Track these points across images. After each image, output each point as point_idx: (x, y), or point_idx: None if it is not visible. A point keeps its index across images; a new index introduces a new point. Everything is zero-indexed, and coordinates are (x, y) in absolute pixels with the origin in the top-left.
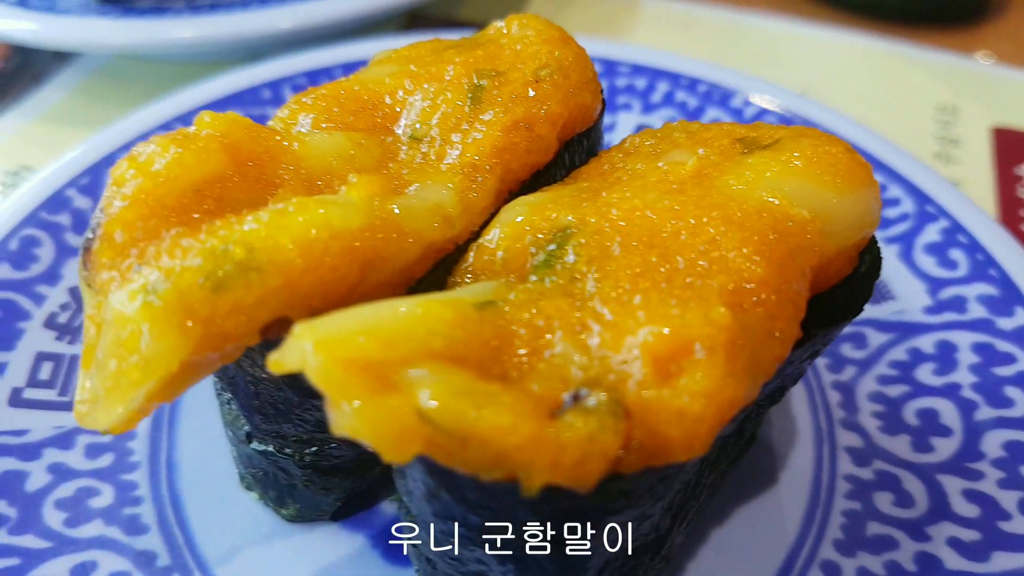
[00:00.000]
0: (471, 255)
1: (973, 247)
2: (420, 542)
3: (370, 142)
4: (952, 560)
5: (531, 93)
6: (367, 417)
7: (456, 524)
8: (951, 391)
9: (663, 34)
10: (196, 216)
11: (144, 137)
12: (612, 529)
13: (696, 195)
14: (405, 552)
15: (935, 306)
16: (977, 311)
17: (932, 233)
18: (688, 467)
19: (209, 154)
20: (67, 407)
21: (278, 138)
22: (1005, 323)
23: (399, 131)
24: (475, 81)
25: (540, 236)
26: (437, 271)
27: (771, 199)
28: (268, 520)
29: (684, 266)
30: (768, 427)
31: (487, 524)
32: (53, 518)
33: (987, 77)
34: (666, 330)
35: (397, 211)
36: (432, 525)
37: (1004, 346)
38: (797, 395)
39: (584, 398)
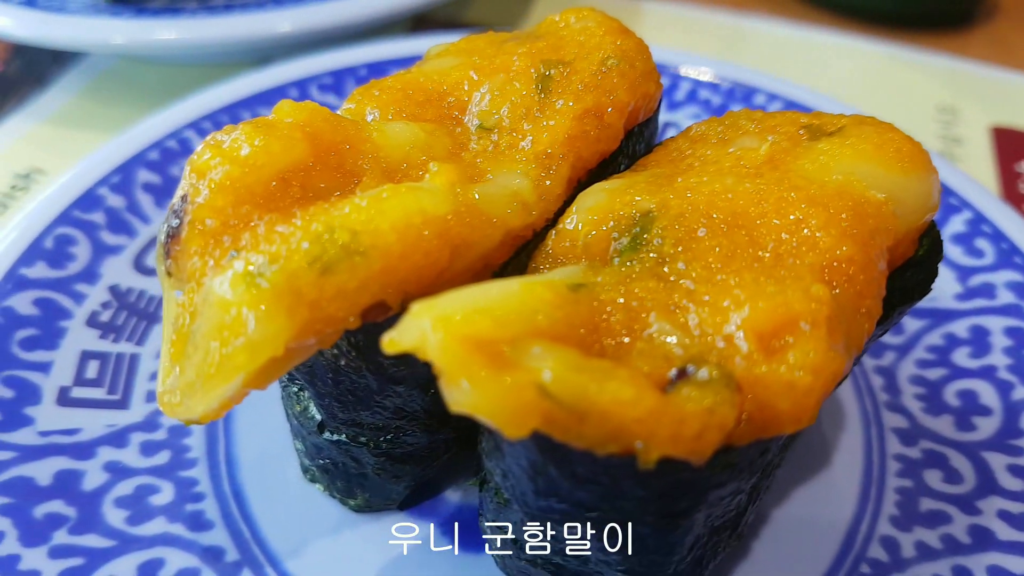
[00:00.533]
0: (551, 241)
1: (997, 236)
2: (510, 523)
3: (441, 132)
4: (1003, 531)
5: (600, 81)
6: (488, 393)
7: (558, 501)
8: (987, 373)
9: (664, 37)
10: (283, 204)
11: (173, 137)
12: (709, 503)
13: (774, 178)
14: (484, 535)
15: (965, 293)
16: (1006, 297)
17: (957, 224)
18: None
19: (293, 142)
20: (116, 405)
21: (356, 128)
22: None
23: (468, 121)
24: (542, 71)
25: (621, 221)
26: (516, 259)
27: (847, 182)
28: (335, 511)
29: (772, 246)
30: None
31: (594, 500)
32: (114, 516)
33: (983, 78)
34: (767, 307)
35: (477, 197)
36: (531, 503)
37: None
38: None
39: (692, 374)
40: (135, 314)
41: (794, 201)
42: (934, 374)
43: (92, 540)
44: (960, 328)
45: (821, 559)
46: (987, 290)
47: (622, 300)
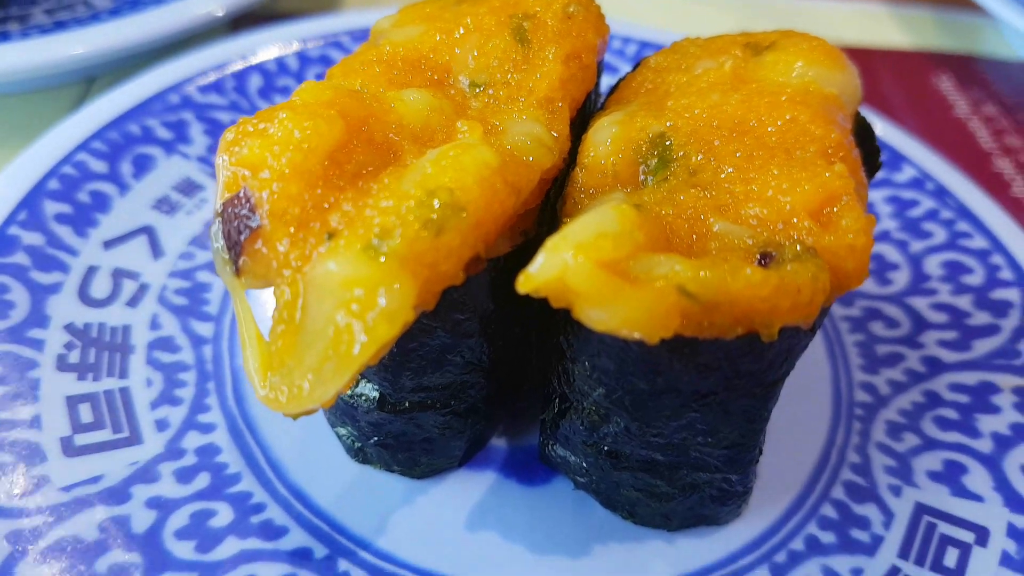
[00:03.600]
0: (580, 175)
1: None
2: (608, 436)
3: (441, 95)
4: (947, 356)
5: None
6: (634, 304)
7: (674, 397)
8: (884, 236)
9: (684, 4)
10: (345, 182)
11: (67, 162)
12: (790, 370)
13: (753, 90)
14: (558, 462)
15: None
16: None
17: None
18: None
19: (334, 121)
20: (129, 442)
21: (377, 101)
22: (900, 176)
23: (459, 83)
24: (514, 25)
25: (641, 145)
26: (546, 204)
27: (806, 83)
28: (399, 483)
29: (778, 143)
30: None
31: (711, 386)
32: (182, 550)
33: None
34: (810, 189)
35: (509, 147)
36: (641, 407)
37: (907, 194)
38: None
39: (776, 256)
40: (104, 348)
41: (780, 104)
42: None
43: None
44: None
45: (822, 416)
46: None
47: (676, 211)
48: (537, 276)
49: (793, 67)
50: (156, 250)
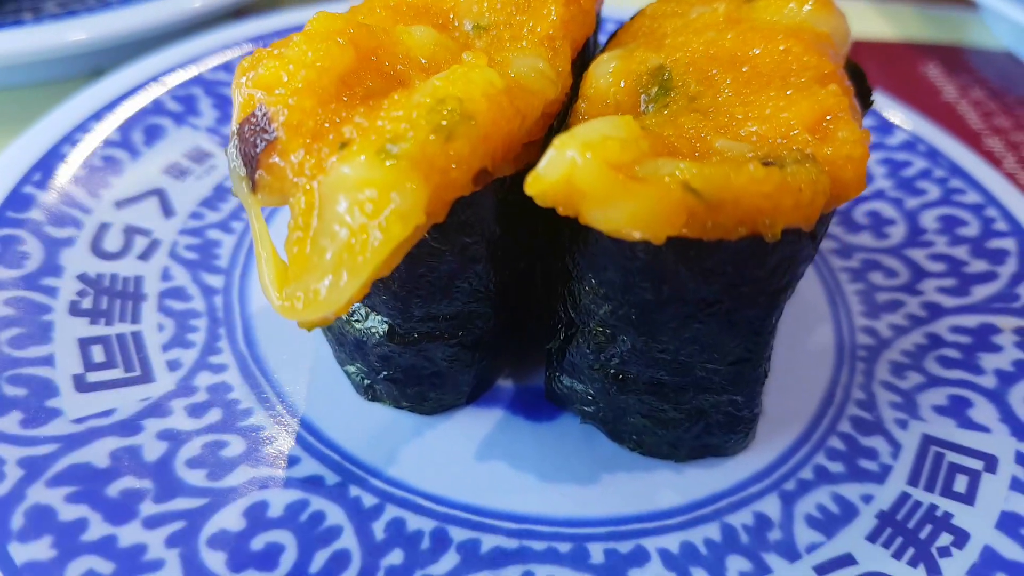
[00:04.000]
0: (582, 107)
1: None
2: (615, 358)
3: (447, 34)
4: (947, 301)
5: None
6: (640, 200)
7: (681, 305)
8: (879, 195)
9: None
10: (358, 100)
11: (81, 130)
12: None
13: (746, 27)
14: (565, 393)
15: None
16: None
17: None
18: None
19: (344, 49)
20: (141, 380)
21: (385, 34)
22: (891, 140)
23: (464, 27)
24: None
25: (641, 76)
26: (549, 139)
27: (799, 22)
28: (408, 419)
29: (774, 72)
30: None
31: (716, 293)
32: (194, 477)
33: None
34: (806, 105)
35: (513, 75)
36: (647, 319)
37: (900, 155)
38: None
39: (776, 164)
40: (116, 296)
41: (774, 39)
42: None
43: (182, 503)
44: None
45: (825, 357)
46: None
47: (676, 132)
48: (545, 175)
49: (785, 8)
50: (167, 210)
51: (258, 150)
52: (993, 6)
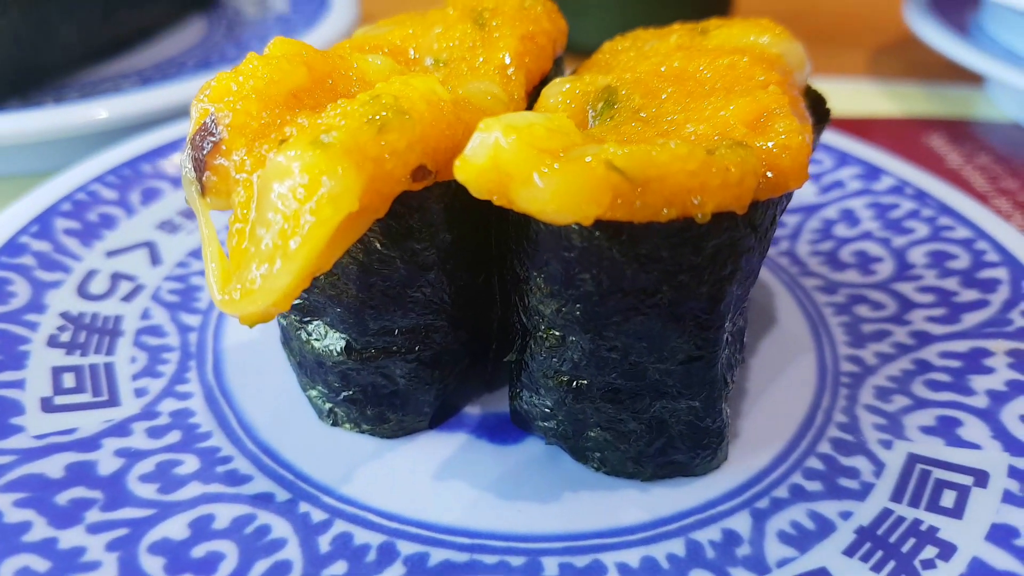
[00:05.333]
0: None
1: (828, 148)
2: (568, 363)
3: (404, 65)
4: (936, 329)
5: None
6: (562, 178)
7: (622, 296)
8: (867, 236)
9: None
10: (301, 111)
11: (84, 191)
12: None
13: (695, 50)
14: (525, 407)
15: (821, 190)
16: (855, 185)
17: None
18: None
19: (296, 66)
20: (107, 404)
21: (340, 59)
22: (879, 186)
23: (424, 63)
24: (474, 16)
25: (589, 95)
26: None
27: (750, 44)
28: (369, 442)
29: (720, 85)
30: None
31: (655, 283)
32: (144, 490)
33: None
34: (744, 103)
35: (462, 93)
36: (593, 313)
37: (887, 199)
38: None
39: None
40: (95, 332)
41: (720, 55)
42: (826, 246)
43: (129, 513)
44: (830, 212)
45: (806, 384)
46: (838, 184)
47: (616, 139)
48: (471, 157)
49: (736, 36)
50: (155, 259)
51: (205, 152)
52: (1000, 77)
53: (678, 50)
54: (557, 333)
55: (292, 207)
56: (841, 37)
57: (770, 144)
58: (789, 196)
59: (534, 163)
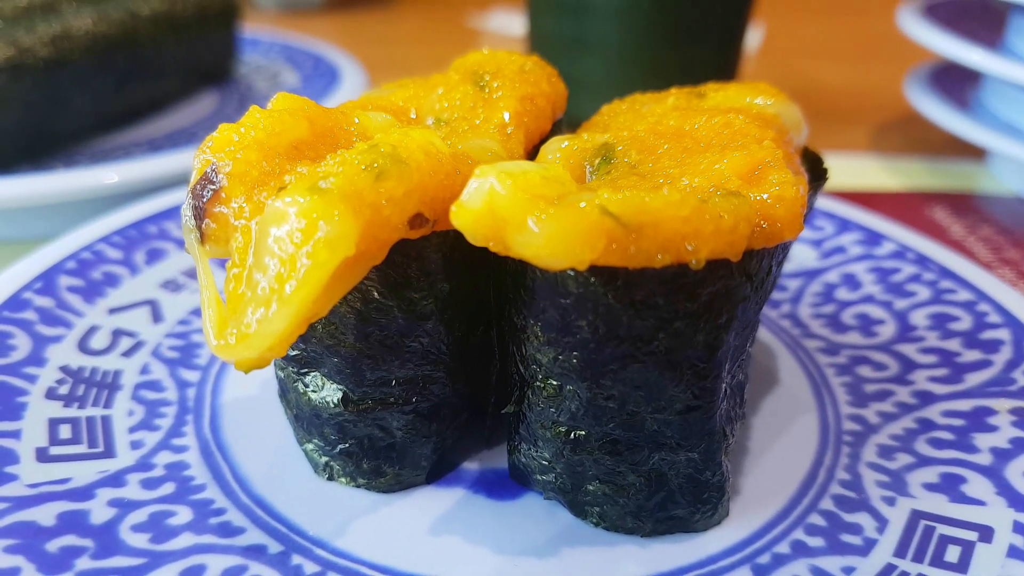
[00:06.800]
0: None
1: (829, 215)
2: (566, 414)
3: (405, 122)
4: (939, 389)
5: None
6: (556, 222)
7: (617, 344)
8: (868, 299)
9: None
10: (302, 162)
11: (89, 250)
12: (739, 322)
13: (691, 110)
14: (523, 460)
15: (823, 255)
16: (856, 250)
17: None
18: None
19: (298, 119)
20: (102, 456)
21: (342, 115)
22: (880, 251)
23: (425, 121)
24: (476, 79)
25: (587, 152)
26: None
27: (746, 105)
28: (365, 496)
29: (713, 139)
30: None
31: (651, 330)
32: (135, 540)
33: None
34: (739, 157)
35: (461, 148)
36: (590, 361)
37: (889, 263)
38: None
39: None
40: (93, 385)
41: (716, 114)
42: (827, 310)
43: (119, 561)
44: (831, 276)
45: (808, 442)
46: (840, 249)
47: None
48: (467, 203)
49: (733, 98)
50: (157, 317)
51: (205, 200)
52: (1002, 150)
53: (675, 110)
54: (555, 382)
55: (289, 251)
56: (845, 114)
57: (765, 196)
58: (786, 248)
59: (529, 208)
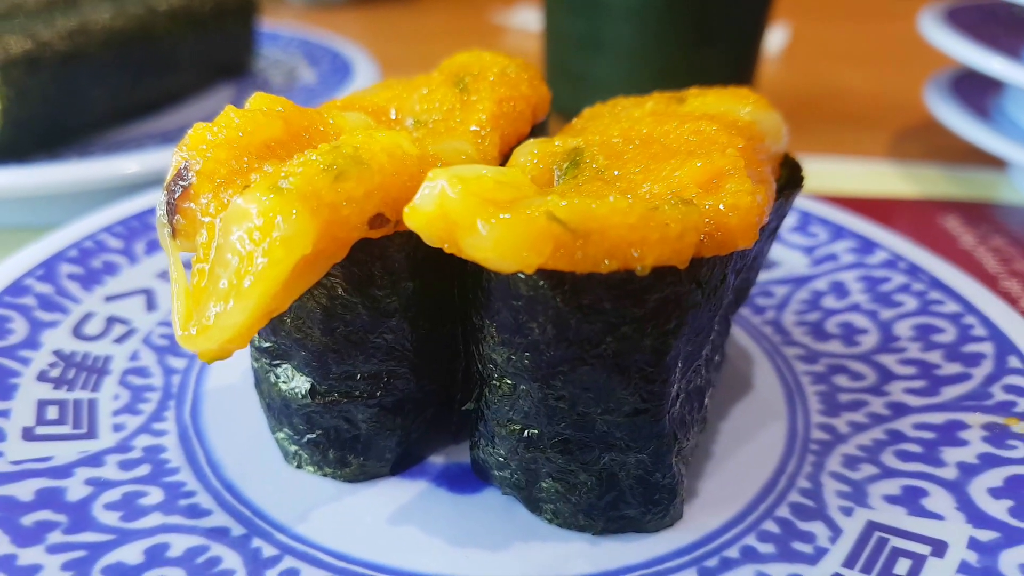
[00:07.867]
0: None
1: (824, 221)
2: (520, 414)
3: (384, 126)
4: (914, 401)
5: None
6: (504, 226)
7: (567, 346)
8: (855, 308)
9: None
10: (276, 159)
11: (91, 239)
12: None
13: (665, 115)
14: (483, 457)
15: (814, 262)
16: (848, 258)
17: (791, 219)
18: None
19: (272, 119)
20: (85, 437)
21: (318, 115)
22: (872, 259)
23: (405, 124)
24: (458, 81)
25: (557, 156)
26: None
27: (723, 111)
28: (330, 484)
29: (682, 146)
30: (726, 352)
31: (599, 333)
32: (107, 517)
33: None
34: (700, 165)
35: (432, 151)
36: (541, 362)
37: (879, 272)
38: (737, 333)
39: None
40: (84, 370)
41: (688, 120)
42: (812, 317)
43: (89, 537)
44: (820, 284)
45: (773, 449)
46: (831, 257)
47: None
48: (420, 205)
49: (711, 104)
50: (151, 305)
51: (176, 196)
52: (1022, 161)
53: (651, 115)
54: (509, 382)
55: (248, 248)
56: (865, 120)
57: (721, 205)
58: (742, 255)
59: (478, 212)
